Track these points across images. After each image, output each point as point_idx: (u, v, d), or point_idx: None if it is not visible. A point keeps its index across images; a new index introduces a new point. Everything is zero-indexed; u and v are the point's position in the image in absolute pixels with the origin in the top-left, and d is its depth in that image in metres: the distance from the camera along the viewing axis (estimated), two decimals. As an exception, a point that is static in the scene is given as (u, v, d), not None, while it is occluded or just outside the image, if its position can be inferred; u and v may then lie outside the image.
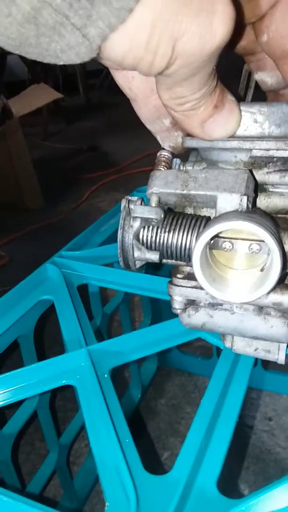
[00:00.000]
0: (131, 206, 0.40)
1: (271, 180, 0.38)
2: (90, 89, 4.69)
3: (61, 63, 0.26)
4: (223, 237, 0.36)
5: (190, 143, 0.38)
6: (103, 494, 0.42)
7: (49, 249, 0.82)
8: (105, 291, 1.03)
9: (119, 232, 0.40)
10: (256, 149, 0.36)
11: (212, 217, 0.38)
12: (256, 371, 1.02)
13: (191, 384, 1.11)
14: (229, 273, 0.37)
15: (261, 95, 0.42)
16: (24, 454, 0.97)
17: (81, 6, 0.23)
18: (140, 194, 0.84)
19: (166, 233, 0.39)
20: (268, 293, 0.36)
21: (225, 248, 0.36)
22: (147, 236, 0.40)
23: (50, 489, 0.88)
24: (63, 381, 0.56)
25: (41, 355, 0.76)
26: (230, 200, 0.36)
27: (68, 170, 2.79)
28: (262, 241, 0.34)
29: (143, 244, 0.40)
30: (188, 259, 0.39)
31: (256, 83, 0.42)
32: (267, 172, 0.38)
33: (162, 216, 0.39)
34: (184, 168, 0.41)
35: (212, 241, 0.36)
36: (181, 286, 0.42)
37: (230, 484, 0.86)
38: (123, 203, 0.40)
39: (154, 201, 0.39)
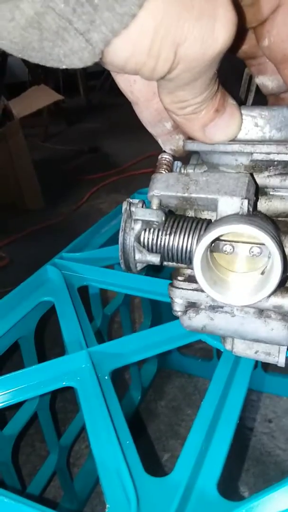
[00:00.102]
0: (133, 209, 0.40)
1: (271, 184, 0.39)
2: (91, 90, 4.69)
3: (64, 67, 0.26)
4: (224, 240, 0.36)
5: (191, 146, 0.38)
6: (104, 496, 0.42)
7: (50, 250, 0.82)
8: (106, 292, 1.03)
9: (120, 234, 0.40)
10: (257, 152, 0.36)
11: (213, 220, 0.38)
12: (256, 373, 1.02)
13: (191, 386, 1.11)
14: (230, 276, 0.37)
15: (262, 99, 0.42)
16: (24, 455, 0.97)
17: (84, 11, 0.23)
18: (141, 196, 0.84)
19: (167, 236, 0.39)
20: (269, 296, 0.36)
21: (226, 251, 0.36)
22: (148, 238, 0.40)
23: (50, 490, 0.88)
24: (64, 383, 0.56)
25: (42, 357, 0.75)
26: (231, 204, 0.36)
27: (68, 171, 2.78)
28: (263, 244, 0.34)
29: (144, 246, 0.40)
30: (189, 261, 0.39)
31: (257, 87, 0.42)
32: (268, 176, 0.38)
33: (163, 218, 0.39)
34: (185, 171, 0.42)
35: (213, 244, 0.36)
36: (182, 288, 0.43)
37: (230, 486, 0.86)
38: (124, 205, 0.40)
39: (155, 203, 0.39)
